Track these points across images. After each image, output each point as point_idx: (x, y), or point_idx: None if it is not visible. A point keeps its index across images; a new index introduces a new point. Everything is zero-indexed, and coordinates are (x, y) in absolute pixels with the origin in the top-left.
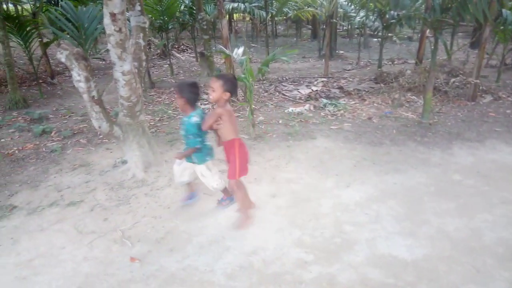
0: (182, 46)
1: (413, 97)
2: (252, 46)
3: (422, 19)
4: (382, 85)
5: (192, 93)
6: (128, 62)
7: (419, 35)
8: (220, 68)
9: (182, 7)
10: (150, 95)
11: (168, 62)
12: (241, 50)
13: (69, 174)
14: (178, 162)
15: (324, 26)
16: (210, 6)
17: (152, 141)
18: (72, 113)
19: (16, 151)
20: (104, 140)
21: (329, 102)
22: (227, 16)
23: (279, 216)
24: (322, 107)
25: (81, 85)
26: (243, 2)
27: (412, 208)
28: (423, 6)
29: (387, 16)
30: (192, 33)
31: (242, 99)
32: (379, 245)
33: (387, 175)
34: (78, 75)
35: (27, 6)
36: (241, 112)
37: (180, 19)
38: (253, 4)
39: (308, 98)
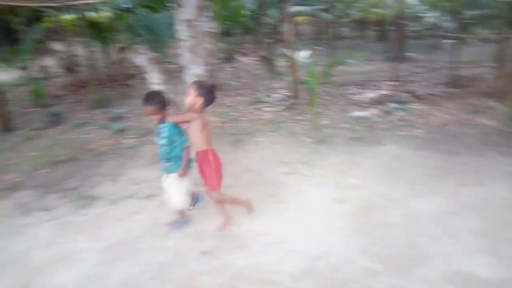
0: (245, 50)
1: (494, 103)
2: (316, 49)
3: (504, 19)
4: (457, 89)
5: (161, 99)
6: (199, 65)
7: (498, 36)
8: (282, 71)
9: (246, 12)
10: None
11: (232, 66)
12: (305, 53)
13: (144, 169)
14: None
15: (391, 27)
16: (274, 10)
17: (219, 142)
18: None
19: (98, 146)
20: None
21: (398, 106)
22: (291, 19)
23: (345, 223)
24: (389, 112)
25: (156, 88)
26: (307, 5)
27: (493, 224)
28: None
29: (462, 16)
30: (256, 37)
31: (306, 102)
32: (456, 261)
33: (465, 187)
34: (155, 78)
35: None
36: (304, 115)
37: (245, 24)
38: (317, 7)
39: (374, 102)
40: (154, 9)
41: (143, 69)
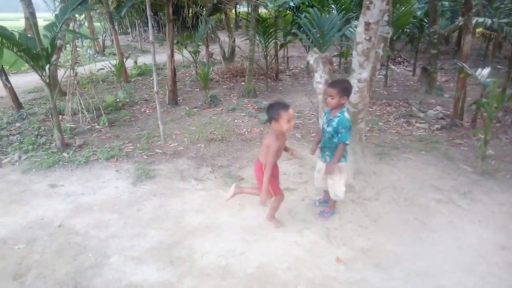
0: (399, 58)
1: None
2: (497, 67)
3: None
4: None
5: (347, 86)
6: (367, 70)
7: None
8: (441, 86)
9: (412, 19)
10: None
11: (383, 73)
12: (486, 70)
13: (285, 162)
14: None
15: None
16: (442, 19)
17: (366, 150)
18: None
19: (246, 133)
20: (316, 139)
21: None
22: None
23: (510, 275)
24: None
25: (320, 87)
26: (491, 17)
27: None
28: None
29: None
30: (416, 46)
31: (469, 125)
32: None
33: None
34: (320, 77)
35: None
36: (464, 140)
37: (408, 31)
38: (503, 20)
39: None
40: (320, 10)
41: (312, 67)
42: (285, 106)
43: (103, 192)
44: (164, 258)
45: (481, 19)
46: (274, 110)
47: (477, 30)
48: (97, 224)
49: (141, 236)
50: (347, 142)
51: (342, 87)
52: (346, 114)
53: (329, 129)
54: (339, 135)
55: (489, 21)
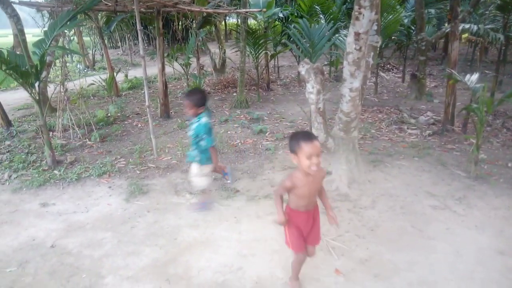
0: (388, 66)
1: None
2: (485, 72)
3: None
4: None
5: (199, 97)
6: (358, 79)
7: None
8: (431, 92)
9: (400, 27)
10: None
11: (373, 81)
12: (475, 76)
13: (280, 173)
14: (193, 170)
15: None
16: (429, 26)
17: (359, 158)
18: (283, 118)
19: (239, 144)
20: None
21: None
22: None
23: (508, 280)
24: None
25: (312, 97)
26: (477, 23)
27: None
28: None
29: None
30: (404, 53)
31: (460, 130)
32: None
33: None
34: (312, 87)
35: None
36: (457, 145)
37: (396, 38)
38: (488, 26)
39: None
40: (308, 21)
41: (303, 77)
42: (308, 137)
43: (96, 209)
44: (160, 276)
45: (467, 26)
46: (294, 141)
47: (463, 36)
48: (90, 243)
49: (136, 254)
50: (213, 144)
51: (196, 99)
52: (203, 119)
53: (191, 132)
54: (204, 141)
55: (475, 28)
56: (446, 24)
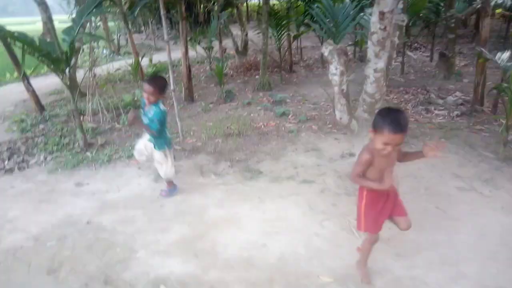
0: (416, 44)
1: None
2: None
3: None
4: None
5: (164, 84)
6: (383, 60)
7: None
8: (460, 71)
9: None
10: None
11: (400, 60)
12: (506, 54)
13: (303, 154)
14: (142, 141)
15: None
16: (459, 2)
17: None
18: (306, 100)
19: (262, 126)
20: (333, 130)
21: None
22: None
23: None
24: None
25: (335, 78)
26: None
27: None
28: None
29: None
30: (433, 31)
31: (490, 110)
32: None
33: None
34: (335, 69)
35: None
36: (486, 126)
37: (424, 16)
38: None
39: None
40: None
41: (327, 59)
42: (395, 128)
43: (127, 189)
44: (188, 251)
45: (500, 0)
46: (381, 121)
47: (497, 11)
48: (123, 220)
49: (166, 231)
50: (154, 131)
51: (161, 85)
52: (162, 106)
53: (146, 120)
54: (152, 124)
55: (508, 2)
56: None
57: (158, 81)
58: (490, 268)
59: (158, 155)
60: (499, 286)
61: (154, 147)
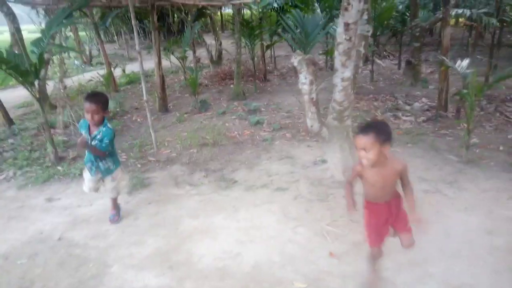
0: (384, 53)
1: None
2: (476, 57)
3: None
4: None
5: (106, 100)
6: (349, 69)
7: None
8: (426, 78)
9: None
10: None
11: (369, 68)
12: (465, 62)
13: (277, 162)
14: (89, 175)
15: None
16: (424, 11)
17: (353, 147)
18: (280, 108)
19: (237, 135)
20: (306, 137)
21: None
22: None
23: (495, 258)
24: None
25: (305, 87)
26: (470, 8)
27: None
28: None
29: None
30: (400, 40)
31: (454, 115)
32: None
33: None
34: (304, 78)
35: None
36: (449, 130)
37: (391, 25)
38: (482, 10)
39: None
40: (303, 10)
41: (296, 69)
42: (359, 129)
43: (100, 203)
44: (163, 264)
45: (460, 11)
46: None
47: (460, 19)
48: (96, 234)
49: (140, 244)
50: (106, 152)
51: (105, 102)
52: (109, 124)
53: (94, 143)
54: (102, 146)
55: (468, 12)
56: (442, 9)
57: (100, 97)
58: (455, 266)
59: (115, 174)
60: (463, 283)
61: (107, 171)
